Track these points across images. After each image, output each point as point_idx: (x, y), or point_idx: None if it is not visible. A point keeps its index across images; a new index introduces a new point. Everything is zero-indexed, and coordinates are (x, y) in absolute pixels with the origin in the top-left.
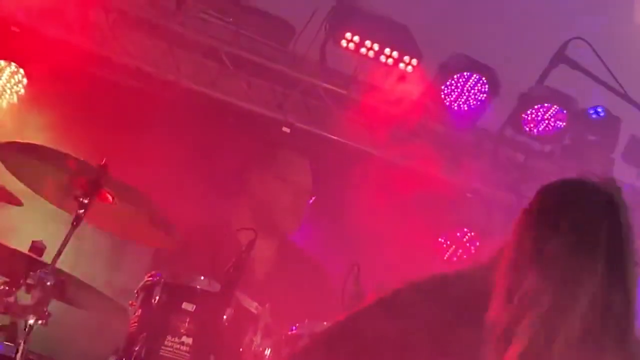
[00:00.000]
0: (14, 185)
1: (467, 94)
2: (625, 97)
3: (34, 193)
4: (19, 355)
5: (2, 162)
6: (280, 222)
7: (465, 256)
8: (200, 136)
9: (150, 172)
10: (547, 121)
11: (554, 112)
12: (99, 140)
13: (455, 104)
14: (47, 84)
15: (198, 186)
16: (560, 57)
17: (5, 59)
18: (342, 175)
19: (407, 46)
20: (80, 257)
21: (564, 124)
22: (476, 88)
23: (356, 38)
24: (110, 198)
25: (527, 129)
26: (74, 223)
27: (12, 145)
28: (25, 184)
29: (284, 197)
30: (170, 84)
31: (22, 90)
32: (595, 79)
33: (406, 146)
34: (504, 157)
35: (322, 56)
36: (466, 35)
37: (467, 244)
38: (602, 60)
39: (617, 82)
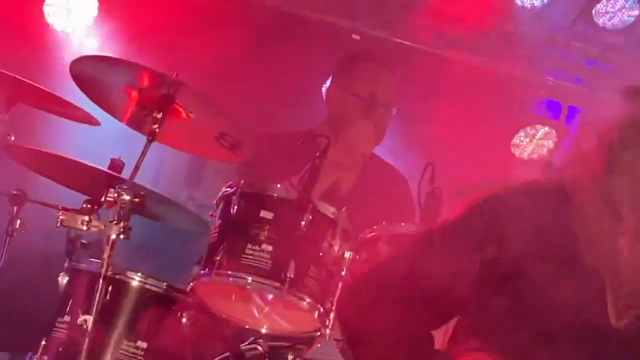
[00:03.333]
0: (91, 106)
1: None
2: None
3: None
4: (103, 270)
5: (75, 81)
6: (358, 142)
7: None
8: (272, 47)
9: (224, 85)
10: (619, 13)
11: (625, 4)
12: (168, 55)
13: (526, 2)
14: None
15: (271, 97)
16: None
17: None
18: (415, 79)
19: None
20: (161, 175)
21: (637, 14)
22: None
23: None
24: (183, 114)
25: (599, 22)
26: (149, 138)
27: (83, 60)
28: (97, 104)
29: (361, 115)
30: None
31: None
32: None
33: (477, 47)
34: (576, 51)
35: None
36: None
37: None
38: None
39: None
